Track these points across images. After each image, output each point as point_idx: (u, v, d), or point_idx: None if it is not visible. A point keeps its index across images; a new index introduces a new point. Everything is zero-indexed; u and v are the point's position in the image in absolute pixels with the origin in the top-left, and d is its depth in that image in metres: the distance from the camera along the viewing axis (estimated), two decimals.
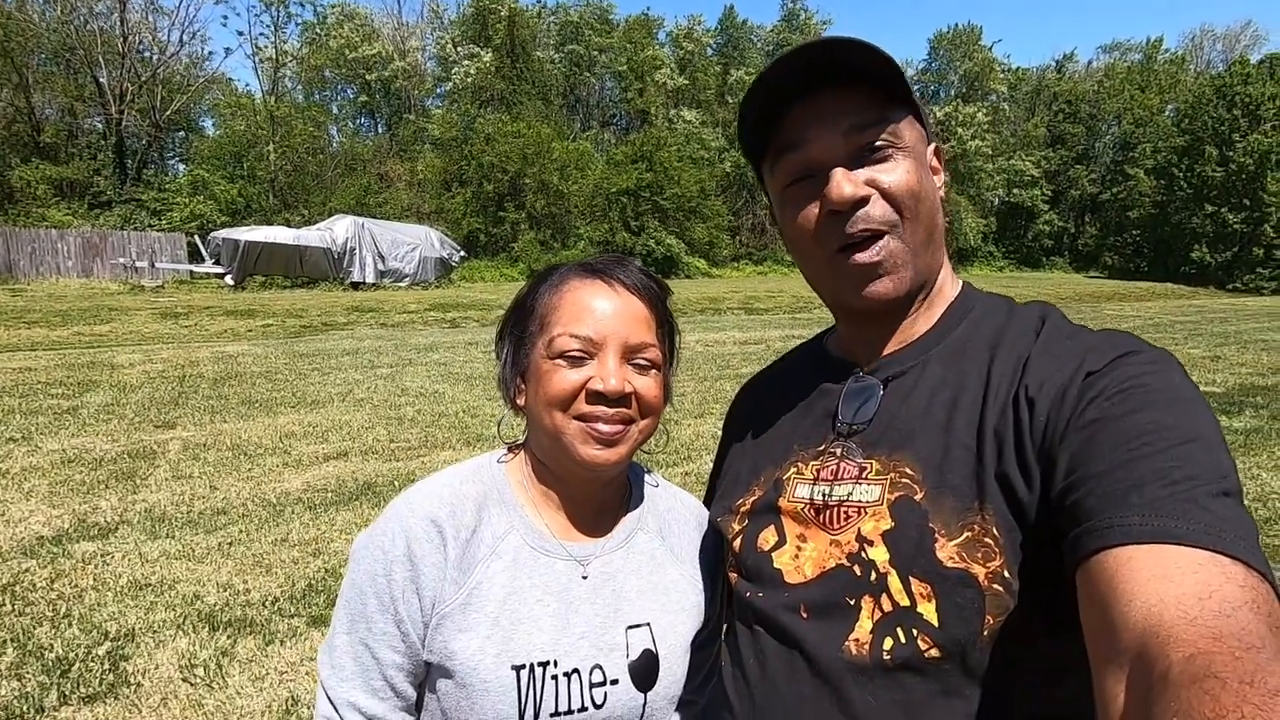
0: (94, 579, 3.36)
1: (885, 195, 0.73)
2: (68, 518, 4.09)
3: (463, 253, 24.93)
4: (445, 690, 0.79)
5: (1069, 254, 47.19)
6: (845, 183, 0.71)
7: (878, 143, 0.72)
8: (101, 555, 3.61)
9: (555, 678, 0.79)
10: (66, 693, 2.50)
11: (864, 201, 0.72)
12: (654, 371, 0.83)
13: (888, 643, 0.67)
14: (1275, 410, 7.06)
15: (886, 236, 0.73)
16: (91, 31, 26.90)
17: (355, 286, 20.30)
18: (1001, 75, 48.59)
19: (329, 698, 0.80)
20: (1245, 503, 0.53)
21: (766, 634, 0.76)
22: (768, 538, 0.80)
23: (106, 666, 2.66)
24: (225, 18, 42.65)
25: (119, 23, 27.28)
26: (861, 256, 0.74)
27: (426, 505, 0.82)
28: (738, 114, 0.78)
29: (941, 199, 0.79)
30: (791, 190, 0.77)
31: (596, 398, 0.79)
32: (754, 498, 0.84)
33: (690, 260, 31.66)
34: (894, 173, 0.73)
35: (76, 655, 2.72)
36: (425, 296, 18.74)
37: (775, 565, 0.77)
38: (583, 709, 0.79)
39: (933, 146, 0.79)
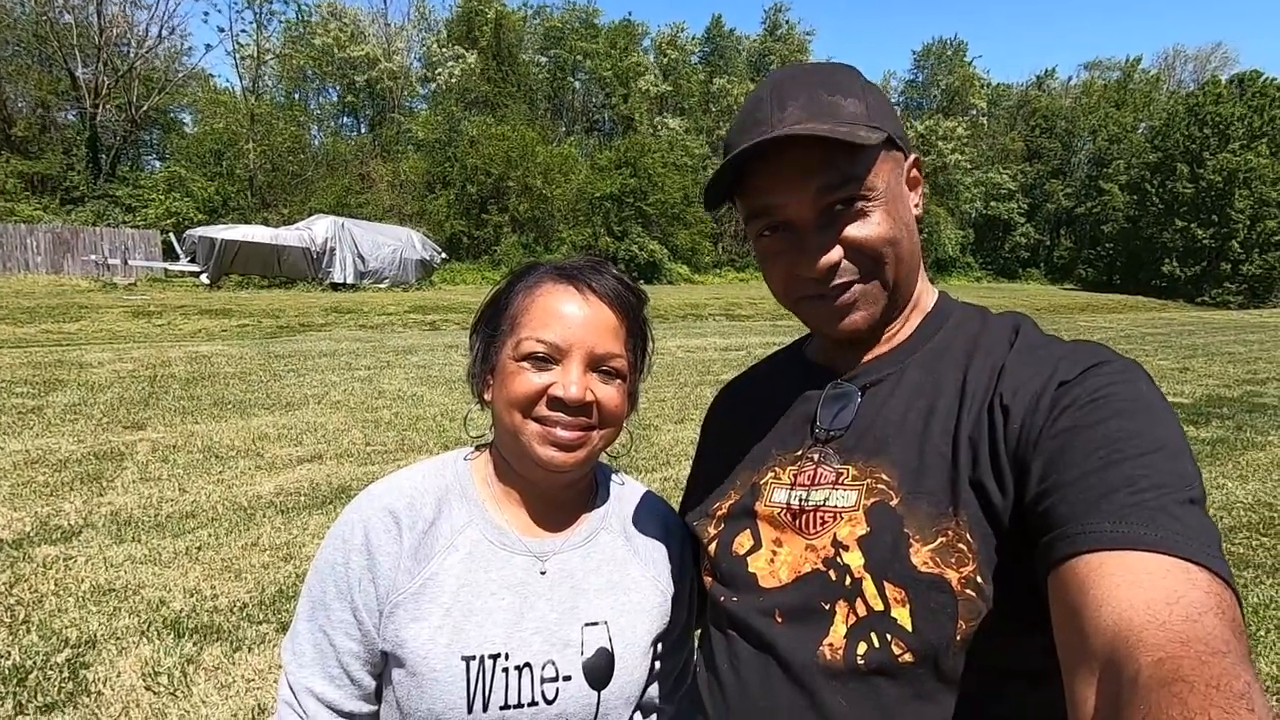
0: (55, 584, 3.26)
1: (859, 249, 0.73)
2: (29, 520, 3.98)
3: (444, 255, 24.77)
4: (398, 679, 0.80)
5: (1044, 266, 48.08)
6: (819, 254, 0.72)
7: (849, 197, 0.72)
8: (64, 559, 3.51)
9: (506, 670, 0.79)
10: (23, 702, 2.42)
11: (837, 264, 0.73)
12: (618, 381, 0.84)
13: (861, 647, 0.67)
14: (1240, 421, 7.24)
15: (860, 284, 0.74)
16: (67, 24, 26.33)
17: (334, 287, 20.07)
18: (982, 91, 49.41)
19: (289, 684, 0.83)
20: (1211, 511, 0.54)
21: (740, 638, 0.76)
22: (743, 542, 0.80)
23: (66, 675, 2.58)
24: (206, 13, 42.07)
25: (95, 15, 26.73)
26: (830, 304, 0.75)
27: (386, 497, 0.84)
28: (703, 190, 0.78)
29: (918, 216, 0.79)
30: (765, 242, 0.77)
31: (557, 404, 0.80)
32: (730, 502, 0.84)
33: (673, 266, 31.77)
34: (867, 226, 0.72)
35: (34, 663, 2.64)
36: (405, 298, 18.58)
37: (750, 569, 0.77)
38: (533, 703, 0.80)
39: (912, 158, 0.79)
